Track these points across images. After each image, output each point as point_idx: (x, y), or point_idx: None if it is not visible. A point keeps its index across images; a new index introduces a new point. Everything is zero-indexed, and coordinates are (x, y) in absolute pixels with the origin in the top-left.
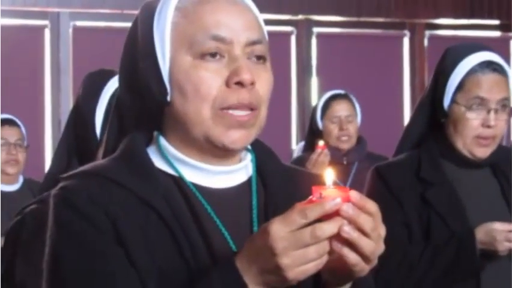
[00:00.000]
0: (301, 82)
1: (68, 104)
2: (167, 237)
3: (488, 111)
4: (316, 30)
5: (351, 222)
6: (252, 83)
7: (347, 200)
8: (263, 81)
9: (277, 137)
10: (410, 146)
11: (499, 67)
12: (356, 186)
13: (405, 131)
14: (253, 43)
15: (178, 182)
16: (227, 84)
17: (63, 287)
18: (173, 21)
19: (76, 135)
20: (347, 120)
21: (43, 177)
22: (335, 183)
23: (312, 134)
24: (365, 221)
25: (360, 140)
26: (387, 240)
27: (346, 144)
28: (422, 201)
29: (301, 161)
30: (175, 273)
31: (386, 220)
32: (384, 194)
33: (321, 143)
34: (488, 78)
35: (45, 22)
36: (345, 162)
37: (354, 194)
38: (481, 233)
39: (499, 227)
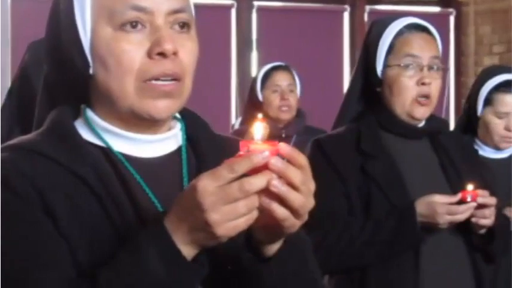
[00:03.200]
0: (242, 56)
1: (6, 75)
2: (96, 207)
3: (421, 69)
4: (256, 4)
5: (281, 175)
6: (175, 53)
7: (276, 153)
8: (187, 50)
9: (216, 111)
10: (348, 119)
11: (426, 28)
12: None
13: (342, 105)
14: (176, 12)
15: (107, 152)
16: (149, 55)
17: None
18: None
19: (21, 105)
20: (288, 89)
21: None
22: (264, 139)
23: (251, 106)
24: (295, 175)
25: (299, 113)
26: (328, 213)
27: (286, 115)
28: (362, 174)
29: (239, 134)
30: (106, 241)
31: (326, 192)
32: (324, 166)
33: (259, 116)
34: (417, 37)
35: None
36: (283, 135)
37: (283, 147)
38: (422, 205)
39: (439, 199)
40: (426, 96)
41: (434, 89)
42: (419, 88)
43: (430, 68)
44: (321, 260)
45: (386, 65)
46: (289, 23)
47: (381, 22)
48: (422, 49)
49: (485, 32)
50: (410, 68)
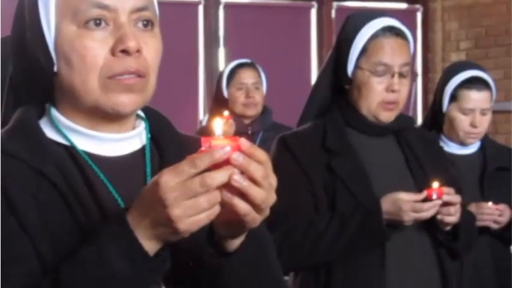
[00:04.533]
0: (209, 53)
1: None
2: (60, 204)
3: (392, 76)
4: (223, 0)
5: (242, 170)
6: (138, 51)
7: (237, 149)
8: (151, 47)
9: (184, 107)
10: (313, 115)
11: (400, 32)
12: None
13: (309, 100)
14: (139, 10)
15: (71, 151)
16: (112, 52)
17: None
18: None
19: None
20: (253, 87)
21: None
22: (226, 134)
23: (217, 103)
24: (256, 170)
25: (265, 109)
26: (293, 210)
27: (252, 111)
28: (328, 171)
29: (206, 130)
30: (69, 238)
31: (291, 190)
32: (290, 164)
33: (226, 113)
34: (390, 43)
35: None
36: (249, 132)
37: (244, 142)
38: (387, 203)
39: (404, 197)
40: (394, 103)
41: (401, 95)
42: (387, 94)
43: (400, 75)
44: (287, 258)
45: (357, 66)
46: (256, 20)
47: (357, 19)
48: (394, 56)
49: (452, 28)
50: (380, 74)
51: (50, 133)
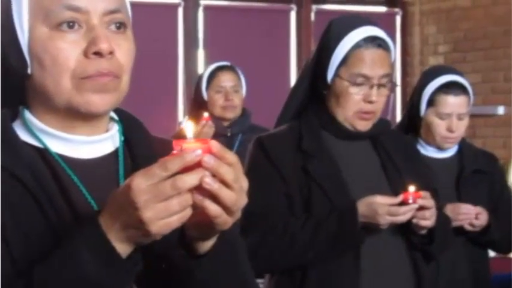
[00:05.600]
0: (188, 54)
1: None
2: (33, 207)
3: (371, 87)
4: (203, 2)
5: (213, 173)
6: (111, 53)
7: (208, 151)
8: (123, 49)
9: (164, 109)
10: (290, 117)
11: (382, 42)
12: (239, 157)
13: (286, 102)
14: (111, 12)
15: (44, 153)
16: (85, 54)
17: None
18: None
19: None
20: (232, 90)
21: None
22: (197, 137)
23: (196, 105)
24: (227, 172)
25: (244, 112)
26: (268, 211)
27: (231, 114)
28: (304, 173)
29: (183, 133)
30: (42, 241)
31: (266, 191)
32: (265, 165)
33: (205, 114)
34: (371, 54)
35: None
36: (228, 134)
37: (215, 144)
38: (363, 206)
39: (380, 200)
40: (370, 113)
41: (379, 105)
42: (364, 105)
43: (380, 85)
44: (262, 259)
45: (336, 74)
46: (236, 22)
47: (340, 26)
48: (374, 68)
49: (431, 31)
50: (358, 84)
51: (23, 135)
